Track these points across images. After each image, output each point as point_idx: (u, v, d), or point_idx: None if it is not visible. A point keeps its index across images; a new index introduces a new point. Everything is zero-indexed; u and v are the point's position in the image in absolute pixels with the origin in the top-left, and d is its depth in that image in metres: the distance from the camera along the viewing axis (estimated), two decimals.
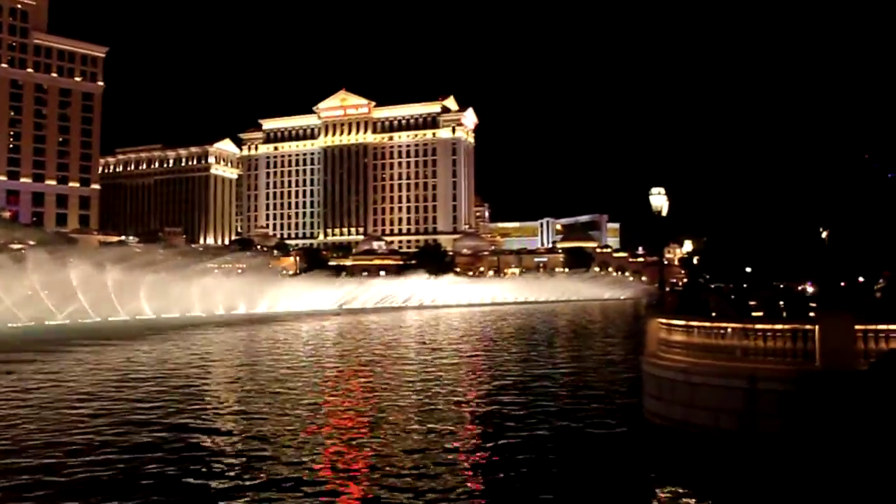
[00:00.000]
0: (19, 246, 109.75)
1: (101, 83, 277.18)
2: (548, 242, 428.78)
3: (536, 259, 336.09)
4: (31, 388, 39.76)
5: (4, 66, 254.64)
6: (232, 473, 22.24)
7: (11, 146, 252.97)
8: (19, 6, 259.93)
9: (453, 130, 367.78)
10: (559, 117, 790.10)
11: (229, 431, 28.55)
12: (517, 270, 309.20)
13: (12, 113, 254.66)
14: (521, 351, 63.19)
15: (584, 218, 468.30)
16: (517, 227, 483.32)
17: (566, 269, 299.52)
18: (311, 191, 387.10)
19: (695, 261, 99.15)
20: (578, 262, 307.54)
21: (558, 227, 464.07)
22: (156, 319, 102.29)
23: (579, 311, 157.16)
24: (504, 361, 54.90)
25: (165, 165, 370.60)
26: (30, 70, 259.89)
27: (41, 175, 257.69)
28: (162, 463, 23.32)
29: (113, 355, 57.58)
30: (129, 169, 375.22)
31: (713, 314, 30.62)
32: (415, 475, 22.05)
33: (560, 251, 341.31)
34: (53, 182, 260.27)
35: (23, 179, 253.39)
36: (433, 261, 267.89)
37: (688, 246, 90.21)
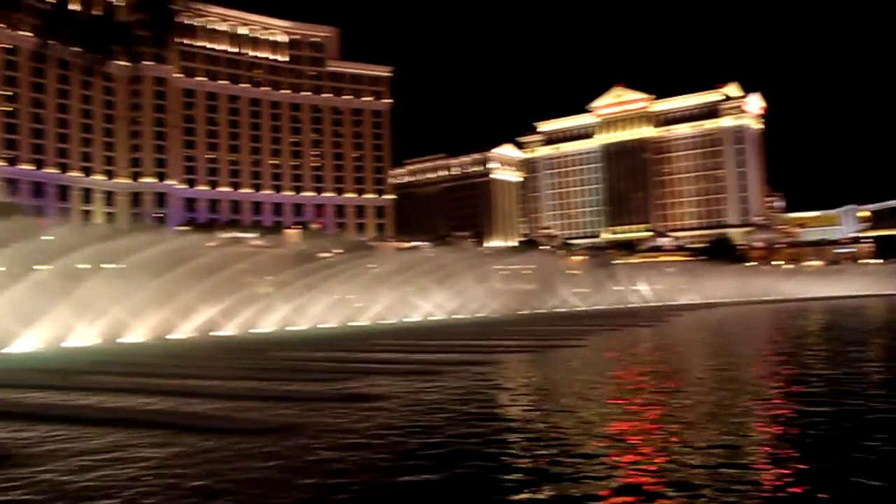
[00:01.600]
0: (327, 254, 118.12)
1: (388, 100, 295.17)
2: (852, 231, 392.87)
3: (838, 250, 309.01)
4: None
5: (307, 93, 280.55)
6: None
7: (317, 165, 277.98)
8: (317, 39, 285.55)
9: (737, 118, 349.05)
10: (859, 93, 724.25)
11: None
12: (818, 263, 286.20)
13: (314, 135, 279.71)
14: (833, 349, 56.65)
15: (894, 203, 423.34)
16: (815, 216, 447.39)
17: (879, 260, 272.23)
18: (592, 189, 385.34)
19: None
20: (891, 251, 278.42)
21: (864, 214, 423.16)
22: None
23: None
24: (813, 360, 49.28)
25: (450, 173, 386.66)
26: (326, 95, 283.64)
27: (341, 189, 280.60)
28: None
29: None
30: (417, 178, 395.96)
31: None
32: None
33: (868, 240, 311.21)
34: (353, 195, 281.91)
35: (325, 194, 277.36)
36: (723, 256, 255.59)
37: None
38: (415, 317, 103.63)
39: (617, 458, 18.95)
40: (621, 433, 22.82)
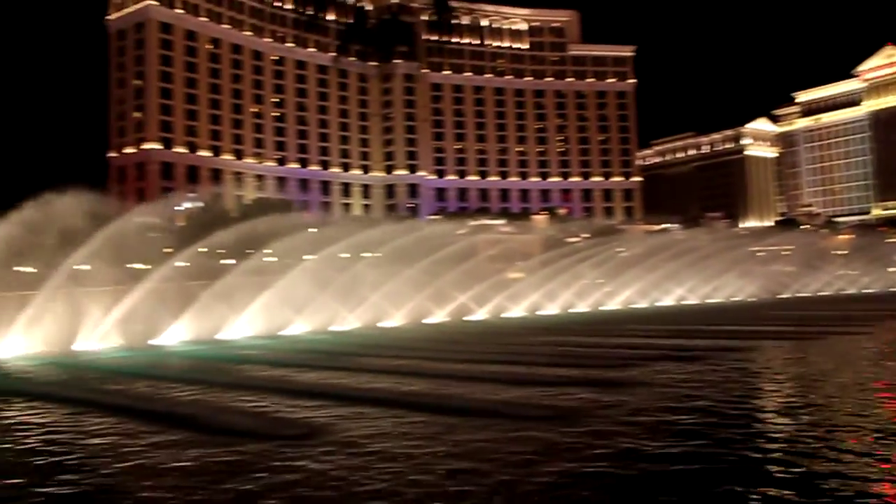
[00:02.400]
0: (575, 239, 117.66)
1: (632, 81, 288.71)
2: None
3: None
4: None
5: (550, 79, 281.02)
6: None
7: (562, 150, 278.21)
8: (557, 24, 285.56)
9: None
10: None
11: None
12: None
13: (559, 120, 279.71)
14: None
15: None
16: None
17: None
18: (859, 162, 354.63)
19: None
20: None
21: None
22: None
23: None
24: None
25: (700, 152, 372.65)
26: (570, 79, 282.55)
27: (587, 173, 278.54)
28: None
29: None
30: (665, 159, 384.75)
31: None
32: None
33: None
34: (599, 178, 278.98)
35: (572, 179, 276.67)
36: None
37: None
38: (667, 301, 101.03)
39: None
40: None
